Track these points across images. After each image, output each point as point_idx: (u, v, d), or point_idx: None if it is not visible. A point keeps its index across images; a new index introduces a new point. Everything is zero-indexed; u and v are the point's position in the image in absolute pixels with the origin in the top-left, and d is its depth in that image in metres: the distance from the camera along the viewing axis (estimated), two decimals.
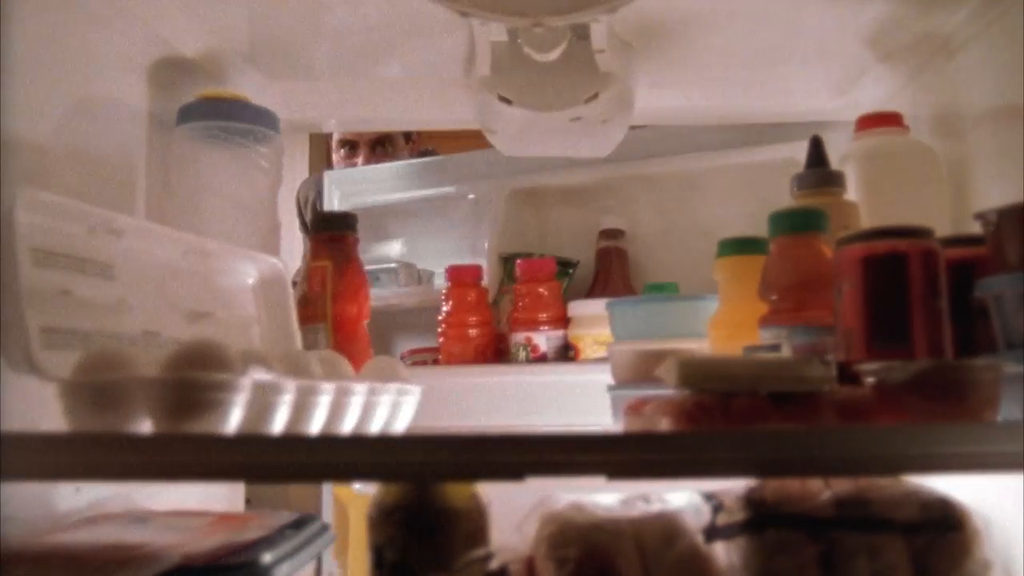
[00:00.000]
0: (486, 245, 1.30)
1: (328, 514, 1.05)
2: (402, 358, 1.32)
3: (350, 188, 1.48)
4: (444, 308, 1.19)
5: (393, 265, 1.35)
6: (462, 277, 1.19)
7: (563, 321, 1.18)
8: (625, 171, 1.29)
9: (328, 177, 1.50)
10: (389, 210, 1.44)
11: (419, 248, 1.43)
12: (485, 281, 1.23)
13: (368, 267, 1.08)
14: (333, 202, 1.47)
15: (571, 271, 1.31)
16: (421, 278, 1.39)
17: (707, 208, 1.29)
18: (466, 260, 1.26)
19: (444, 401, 0.95)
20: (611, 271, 1.28)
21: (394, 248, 1.42)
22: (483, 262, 1.27)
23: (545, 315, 1.17)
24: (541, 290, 1.17)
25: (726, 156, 1.25)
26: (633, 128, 1.04)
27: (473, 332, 1.17)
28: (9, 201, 0.59)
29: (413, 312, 1.35)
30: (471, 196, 1.37)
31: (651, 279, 1.23)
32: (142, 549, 0.57)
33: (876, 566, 0.61)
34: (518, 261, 1.21)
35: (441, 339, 1.19)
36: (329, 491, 1.06)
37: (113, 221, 0.70)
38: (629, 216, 1.32)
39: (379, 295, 1.26)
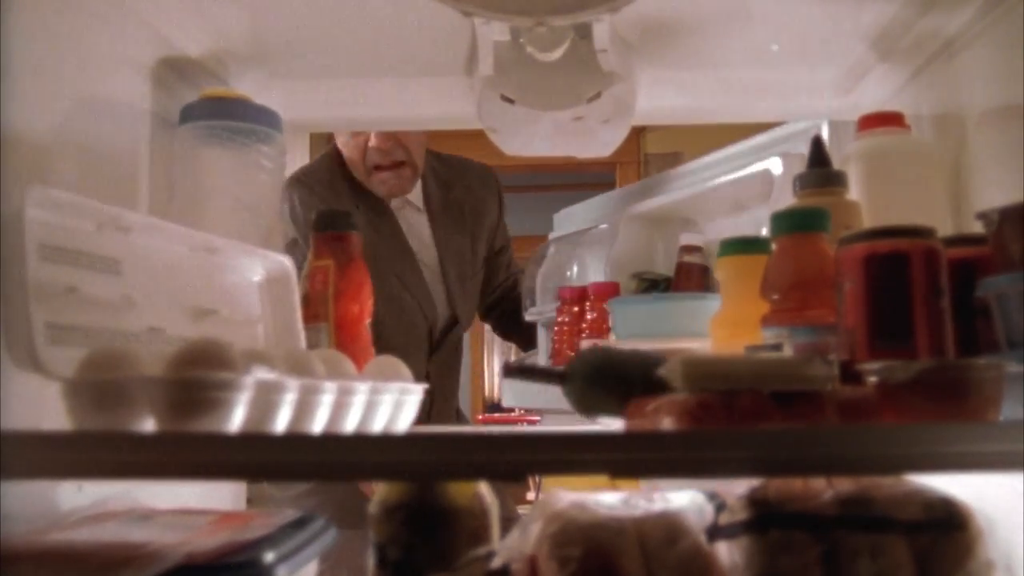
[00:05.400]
0: (604, 268, 1.54)
1: None
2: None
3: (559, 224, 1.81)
4: (557, 320, 1.45)
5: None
6: (571, 297, 1.44)
7: None
8: (703, 189, 1.43)
9: (555, 217, 1.80)
10: (570, 240, 1.73)
11: (580, 270, 1.70)
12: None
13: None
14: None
15: (662, 286, 1.45)
16: None
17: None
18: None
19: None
20: (689, 284, 1.37)
21: (573, 271, 1.71)
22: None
23: (606, 324, 1.33)
24: (603, 306, 1.35)
25: None
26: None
27: (576, 340, 1.42)
28: (14, 198, 0.60)
29: None
30: (603, 226, 1.63)
31: None
32: (145, 548, 0.57)
33: (879, 566, 0.61)
34: (591, 284, 1.42)
35: (555, 345, 1.46)
36: None
37: (121, 218, 0.70)
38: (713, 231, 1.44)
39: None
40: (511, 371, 0.69)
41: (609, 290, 1.38)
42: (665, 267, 1.48)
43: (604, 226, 1.62)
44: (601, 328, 1.33)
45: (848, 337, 0.63)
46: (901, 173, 0.89)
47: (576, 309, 1.42)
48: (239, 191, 0.88)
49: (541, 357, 1.65)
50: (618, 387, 0.65)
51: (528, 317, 1.67)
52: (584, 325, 1.39)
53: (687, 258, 1.39)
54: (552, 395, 1.50)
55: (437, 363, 1.62)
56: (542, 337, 1.69)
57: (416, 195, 1.65)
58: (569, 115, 0.91)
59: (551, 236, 1.77)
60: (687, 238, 1.41)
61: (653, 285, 1.45)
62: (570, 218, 1.79)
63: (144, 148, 0.88)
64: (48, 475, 0.62)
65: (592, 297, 1.38)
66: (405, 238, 1.61)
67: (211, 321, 0.80)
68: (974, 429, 0.53)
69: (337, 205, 1.57)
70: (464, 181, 1.71)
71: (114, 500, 0.73)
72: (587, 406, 0.68)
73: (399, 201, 1.63)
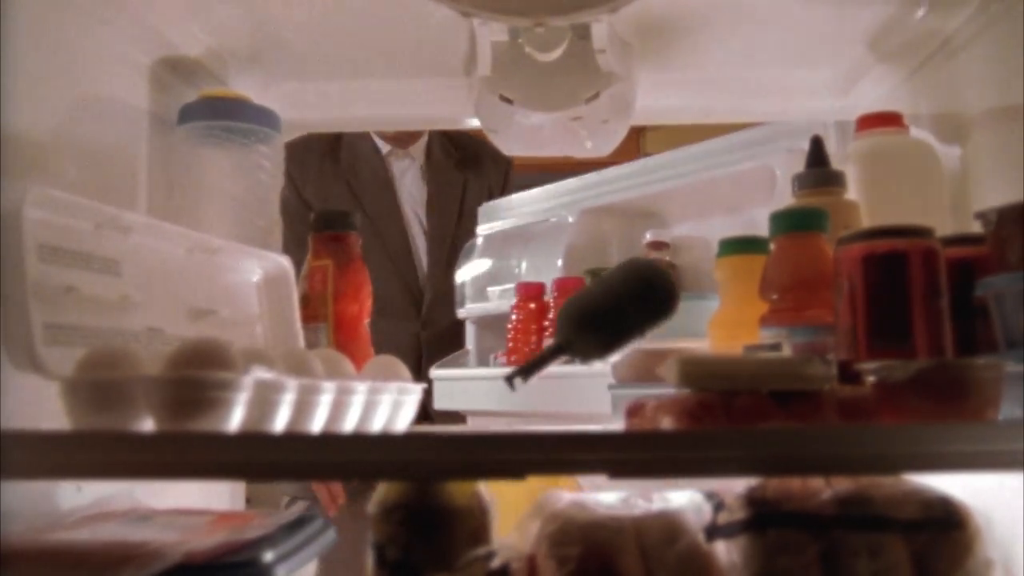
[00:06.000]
0: (559, 263, 1.47)
1: None
2: (494, 358, 1.52)
3: (489, 217, 1.70)
4: (512, 318, 1.38)
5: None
6: (527, 293, 1.38)
7: None
8: (672, 186, 1.39)
9: (480, 210, 1.71)
10: (511, 234, 1.64)
11: (527, 266, 1.61)
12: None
13: (508, 286, 1.47)
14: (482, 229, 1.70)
15: None
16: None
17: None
18: (550, 277, 1.42)
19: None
20: None
21: (515, 268, 1.61)
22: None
23: None
24: None
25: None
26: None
27: (533, 339, 1.36)
28: (15, 198, 0.60)
29: None
30: (552, 220, 1.55)
31: (698, 288, 1.28)
32: (144, 547, 0.57)
33: (877, 565, 0.61)
34: (554, 279, 1.35)
35: (509, 344, 1.37)
36: None
37: (120, 218, 0.70)
38: (682, 228, 1.41)
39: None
40: (519, 374, 0.67)
41: (575, 286, 1.31)
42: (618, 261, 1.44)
43: (553, 220, 1.56)
44: None
45: (846, 337, 0.63)
46: (899, 173, 0.89)
47: (533, 306, 1.37)
48: (238, 191, 0.88)
49: (472, 357, 1.59)
50: (608, 326, 0.67)
51: (460, 314, 1.62)
52: (546, 323, 1.34)
53: (653, 255, 1.34)
54: (478, 395, 1.44)
55: (430, 334, 1.62)
56: (471, 335, 1.62)
57: (419, 153, 1.68)
58: (568, 115, 0.91)
59: (478, 231, 1.69)
60: (653, 234, 1.37)
61: None
62: (495, 212, 1.70)
63: (143, 148, 0.88)
64: (47, 475, 0.61)
65: (556, 293, 1.33)
66: (396, 196, 1.65)
67: (210, 321, 0.80)
68: (972, 429, 0.53)
69: (304, 177, 1.61)
70: (474, 154, 1.74)
71: (113, 500, 0.73)
72: (591, 356, 0.69)
73: (402, 154, 1.66)
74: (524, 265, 1.57)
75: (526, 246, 1.59)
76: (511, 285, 1.50)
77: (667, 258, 1.35)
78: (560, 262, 1.47)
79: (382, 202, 1.63)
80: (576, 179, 1.58)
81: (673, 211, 1.43)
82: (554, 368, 0.69)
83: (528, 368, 0.64)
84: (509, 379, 0.66)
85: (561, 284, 1.34)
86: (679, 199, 1.40)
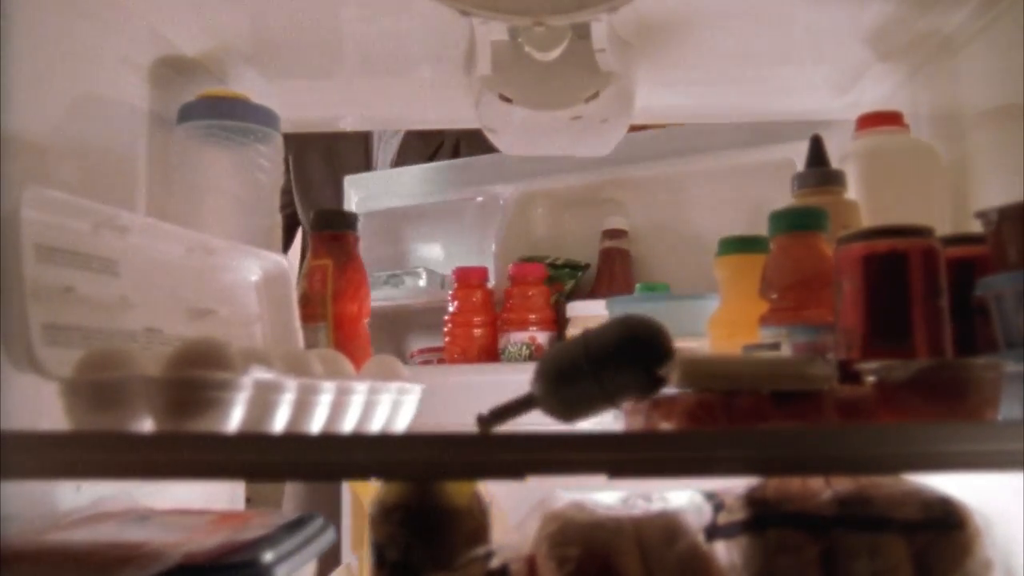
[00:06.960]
0: (492, 248, 1.35)
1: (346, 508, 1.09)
2: (411, 357, 1.39)
3: (366, 192, 1.53)
4: (450, 308, 1.25)
5: (420, 269, 1.42)
6: (468, 279, 1.26)
7: (551, 322, 1.23)
8: (631, 173, 1.33)
9: (348, 181, 1.55)
10: (406, 213, 1.48)
11: (436, 251, 1.49)
12: (492, 283, 1.28)
13: (396, 271, 1.30)
14: (351, 206, 1.52)
15: (580, 273, 1.34)
16: (444, 282, 1.43)
17: (708, 209, 1.30)
18: (475, 262, 1.32)
19: (447, 399, 0.95)
20: (614, 271, 1.29)
21: (413, 252, 1.48)
22: (488, 264, 1.32)
23: (534, 316, 1.22)
24: (530, 292, 1.24)
25: (729, 157, 1.28)
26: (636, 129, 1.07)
27: (477, 332, 1.24)
28: (13, 198, 0.60)
29: (430, 313, 1.39)
30: (479, 199, 1.42)
31: (655, 279, 1.25)
32: (143, 548, 0.57)
33: (877, 565, 0.61)
34: (510, 265, 1.26)
35: (447, 338, 1.25)
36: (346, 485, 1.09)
37: (118, 218, 0.70)
38: (639, 216, 1.35)
39: (403, 295, 1.37)
40: (490, 420, 0.59)
41: (535, 273, 1.24)
42: (572, 251, 1.35)
43: (479, 199, 1.40)
44: (524, 318, 1.21)
45: (846, 337, 0.63)
46: (899, 172, 0.89)
47: (479, 294, 1.25)
48: (237, 191, 0.88)
49: None
50: (584, 382, 0.57)
51: None
52: (506, 313, 1.24)
53: (609, 243, 1.30)
54: None
55: None
56: None
57: None
58: (568, 114, 0.91)
59: (354, 207, 1.51)
60: (611, 222, 1.32)
61: (572, 272, 1.33)
62: (365, 187, 1.51)
63: (142, 148, 0.88)
64: (46, 475, 0.61)
65: (513, 280, 1.24)
66: (369, 153, 1.67)
67: (209, 321, 0.80)
68: (972, 428, 0.53)
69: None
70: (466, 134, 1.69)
71: (112, 500, 0.73)
72: (568, 415, 0.59)
73: None
74: (418, 249, 1.44)
75: (444, 227, 1.45)
76: (402, 272, 1.37)
77: (625, 247, 1.32)
78: (493, 246, 1.35)
79: (352, 156, 1.64)
80: (488, 156, 1.40)
81: (631, 198, 1.36)
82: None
83: (497, 414, 0.60)
84: (483, 422, 0.59)
85: (519, 270, 1.24)
86: (640, 185, 1.35)
